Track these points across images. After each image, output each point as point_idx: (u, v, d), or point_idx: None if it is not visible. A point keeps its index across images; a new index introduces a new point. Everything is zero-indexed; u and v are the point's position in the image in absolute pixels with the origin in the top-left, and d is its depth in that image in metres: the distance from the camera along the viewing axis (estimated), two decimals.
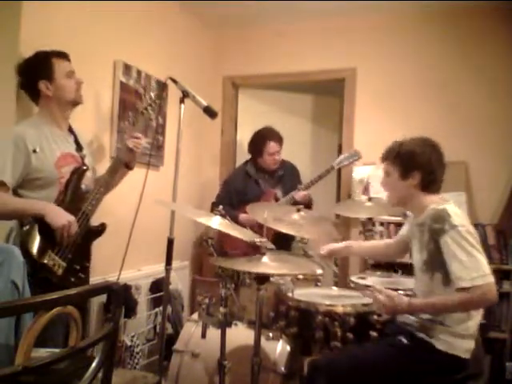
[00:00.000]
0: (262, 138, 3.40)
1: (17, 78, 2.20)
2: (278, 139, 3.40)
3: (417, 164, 1.91)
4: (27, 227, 2.00)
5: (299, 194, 3.24)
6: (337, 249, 2.36)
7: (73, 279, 2.07)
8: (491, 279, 1.71)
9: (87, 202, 2.17)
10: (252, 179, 3.43)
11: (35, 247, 1.97)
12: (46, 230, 1.99)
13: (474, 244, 1.75)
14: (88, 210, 2.16)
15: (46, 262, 1.96)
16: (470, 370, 1.82)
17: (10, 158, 2.00)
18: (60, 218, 2.00)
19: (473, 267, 1.71)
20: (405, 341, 1.83)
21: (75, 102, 2.25)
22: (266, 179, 3.46)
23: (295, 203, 3.07)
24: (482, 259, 1.74)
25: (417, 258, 1.96)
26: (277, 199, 3.35)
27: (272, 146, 3.36)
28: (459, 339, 1.79)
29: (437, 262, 1.81)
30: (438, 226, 1.79)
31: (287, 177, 3.49)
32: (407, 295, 1.86)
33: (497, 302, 1.75)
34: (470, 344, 1.81)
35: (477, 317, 1.83)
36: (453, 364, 1.78)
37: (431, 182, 1.93)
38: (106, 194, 2.34)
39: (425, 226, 1.87)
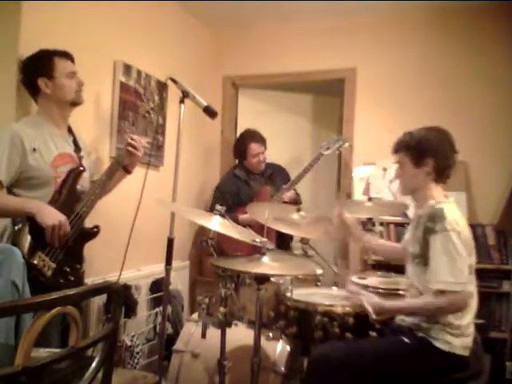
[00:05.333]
0: (244, 141, 3.47)
1: (18, 75, 2.19)
2: (260, 140, 3.45)
3: (429, 151, 1.90)
4: (18, 226, 1.98)
5: (286, 195, 3.26)
6: (353, 223, 2.23)
7: (62, 281, 2.03)
8: (466, 289, 1.74)
9: (82, 203, 2.14)
10: (242, 181, 3.46)
11: (25, 247, 1.93)
12: (38, 230, 1.96)
13: (460, 252, 1.75)
14: (82, 212, 2.13)
15: (35, 262, 1.92)
16: (471, 369, 1.82)
17: (6, 156, 1.98)
18: (51, 217, 1.96)
19: (450, 273, 1.73)
20: (407, 340, 1.83)
21: (74, 103, 2.23)
22: (257, 179, 3.49)
23: (284, 203, 3.13)
24: (463, 269, 1.75)
25: (408, 247, 1.98)
26: (271, 197, 3.37)
27: (254, 147, 3.42)
28: (456, 337, 1.79)
29: (426, 258, 1.82)
30: (430, 225, 1.80)
31: (277, 176, 3.53)
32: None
33: (462, 310, 1.78)
34: (467, 341, 1.82)
35: (469, 315, 1.83)
36: (453, 362, 1.79)
37: (445, 169, 1.92)
38: (103, 197, 2.31)
39: (421, 220, 1.88)
